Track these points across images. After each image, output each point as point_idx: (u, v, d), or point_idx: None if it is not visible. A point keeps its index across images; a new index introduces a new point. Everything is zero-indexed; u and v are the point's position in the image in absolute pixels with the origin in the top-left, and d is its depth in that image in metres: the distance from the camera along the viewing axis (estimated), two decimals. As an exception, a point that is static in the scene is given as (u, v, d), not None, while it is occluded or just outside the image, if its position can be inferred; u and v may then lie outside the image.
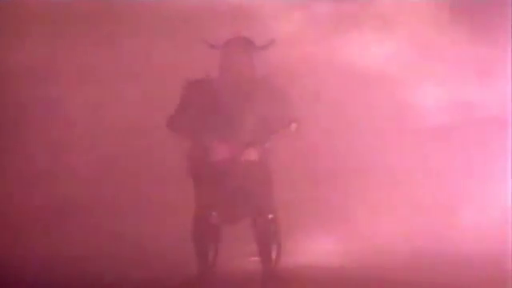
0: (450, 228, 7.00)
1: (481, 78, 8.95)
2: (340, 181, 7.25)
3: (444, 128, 8.29)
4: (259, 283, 5.48)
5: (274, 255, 5.51)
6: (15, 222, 6.53)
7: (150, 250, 6.26)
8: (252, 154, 5.67)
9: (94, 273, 5.66)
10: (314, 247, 6.61)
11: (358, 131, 8.07)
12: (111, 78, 7.52)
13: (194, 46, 7.24)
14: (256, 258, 5.59)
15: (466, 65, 8.56)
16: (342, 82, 9.38)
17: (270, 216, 5.55)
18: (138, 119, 7.37)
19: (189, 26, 7.46)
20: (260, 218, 5.54)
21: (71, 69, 7.46)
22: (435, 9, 7.81)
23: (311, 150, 7.99)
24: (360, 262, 6.23)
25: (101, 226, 6.59)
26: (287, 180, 6.94)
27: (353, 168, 7.47)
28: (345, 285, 5.54)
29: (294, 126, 5.99)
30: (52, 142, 7.15)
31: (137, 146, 7.28)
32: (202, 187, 5.61)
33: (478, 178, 7.54)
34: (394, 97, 9.88)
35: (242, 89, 5.85)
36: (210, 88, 5.86)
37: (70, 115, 7.33)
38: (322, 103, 8.73)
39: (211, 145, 5.62)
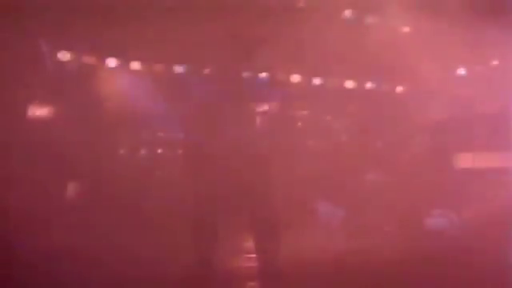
0: (448, 226, 6.99)
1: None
2: (340, 178, 7.24)
3: (445, 124, 8.30)
4: (257, 279, 5.48)
5: (272, 252, 5.50)
6: (15, 220, 6.50)
7: (148, 249, 6.23)
8: (252, 152, 5.67)
9: (93, 272, 5.64)
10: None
11: (357, 127, 8.10)
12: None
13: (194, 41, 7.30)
14: (254, 255, 5.59)
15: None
16: (343, 73, 9.43)
17: (269, 213, 5.54)
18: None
19: (190, 21, 7.46)
20: (258, 215, 5.53)
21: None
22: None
23: (311, 147, 8.04)
24: (355, 259, 6.21)
25: (100, 225, 6.56)
26: (286, 178, 6.97)
27: (353, 165, 7.47)
28: (343, 280, 5.51)
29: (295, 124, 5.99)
30: (54, 143, 7.15)
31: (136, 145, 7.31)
32: (201, 185, 5.60)
33: (480, 175, 7.54)
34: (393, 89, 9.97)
35: (243, 86, 5.87)
36: (211, 85, 5.88)
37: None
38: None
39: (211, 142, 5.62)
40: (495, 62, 9.29)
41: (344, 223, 6.76)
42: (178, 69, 8.68)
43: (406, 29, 8.52)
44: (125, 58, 8.44)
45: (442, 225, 7.11)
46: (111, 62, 8.37)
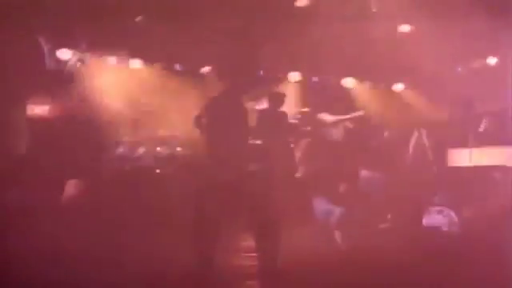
0: (447, 223, 6.99)
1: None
2: (339, 176, 7.25)
3: (443, 121, 8.33)
4: (257, 278, 5.49)
5: (271, 251, 5.51)
6: (16, 221, 6.49)
7: (149, 248, 6.23)
8: (252, 151, 5.70)
9: (93, 271, 5.64)
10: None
11: (356, 125, 8.13)
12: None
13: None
14: (253, 254, 5.60)
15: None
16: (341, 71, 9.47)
17: (269, 213, 5.55)
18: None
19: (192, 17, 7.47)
20: (259, 215, 5.54)
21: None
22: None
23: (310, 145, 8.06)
24: (353, 257, 6.23)
25: (100, 224, 6.56)
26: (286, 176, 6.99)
27: (352, 163, 7.48)
28: (341, 278, 5.53)
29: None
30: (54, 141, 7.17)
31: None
32: (203, 186, 5.60)
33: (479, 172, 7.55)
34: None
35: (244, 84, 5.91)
36: (211, 84, 5.91)
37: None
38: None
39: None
40: (494, 60, 9.33)
41: (342, 222, 6.77)
42: (179, 67, 8.71)
43: (406, 27, 8.55)
44: (125, 57, 8.47)
45: (439, 222, 7.11)
46: (112, 60, 8.43)
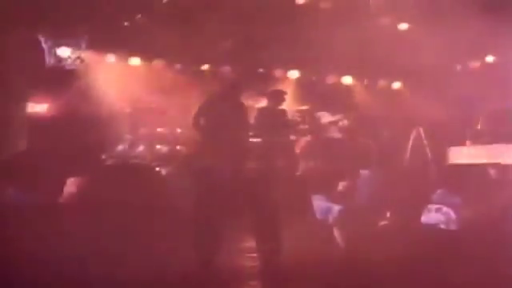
0: (447, 223, 7.00)
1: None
2: (338, 175, 7.25)
3: (443, 120, 8.35)
4: (259, 279, 5.50)
5: (272, 251, 5.52)
6: (17, 221, 6.49)
7: (151, 249, 6.22)
8: (253, 152, 5.70)
9: (93, 270, 5.63)
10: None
11: (356, 123, 8.13)
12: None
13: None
14: (255, 255, 5.61)
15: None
16: (340, 70, 9.43)
17: (269, 212, 5.55)
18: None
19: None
20: (260, 216, 5.54)
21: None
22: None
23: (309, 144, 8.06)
24: (351, 257, 6.24)
25: (99, 223, 6.55)
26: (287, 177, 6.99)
27: (352, 162, 7.48)
28: (342, 280, 5.54)
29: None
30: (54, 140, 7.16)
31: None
32: (203, 184, 5.61)
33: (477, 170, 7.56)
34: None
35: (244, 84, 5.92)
36: (211, 83, 5.91)
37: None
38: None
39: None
40: (494, 59, 9.34)
41: (341, 220, 6.77)
42: (179, 65, 8.71)
43: (405, 26, 8.56)
44: (124, 54, 8.47)
45: (438, 220, 7.12)
46: (111, 58, 8.43)
